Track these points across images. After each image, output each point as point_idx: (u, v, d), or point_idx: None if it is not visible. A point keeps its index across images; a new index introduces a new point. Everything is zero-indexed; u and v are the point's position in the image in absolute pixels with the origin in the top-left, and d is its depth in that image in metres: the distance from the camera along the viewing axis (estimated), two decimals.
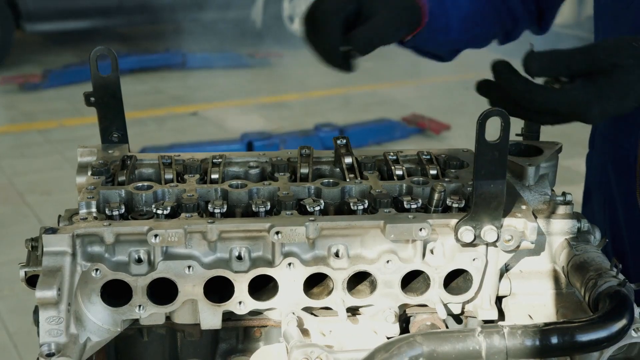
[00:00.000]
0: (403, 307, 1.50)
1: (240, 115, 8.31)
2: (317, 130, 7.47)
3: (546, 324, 1.30)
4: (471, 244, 1.43)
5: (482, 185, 1.38)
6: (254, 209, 1.45)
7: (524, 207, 1.46)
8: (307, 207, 1.46)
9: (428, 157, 1.67)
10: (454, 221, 1.42)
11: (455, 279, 1.50)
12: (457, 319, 1.55)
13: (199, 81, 9.55)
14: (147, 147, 6.70)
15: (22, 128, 8.02)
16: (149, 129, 7.98)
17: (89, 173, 1.58)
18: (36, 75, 9.31)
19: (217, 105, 8.66)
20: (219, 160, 1.63)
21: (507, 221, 1.42)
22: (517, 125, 1.76)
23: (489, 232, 1.40)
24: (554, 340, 1.27)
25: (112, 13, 10.36)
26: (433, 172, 1.62)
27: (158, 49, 10.58)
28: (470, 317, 1.54)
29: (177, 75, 9.87)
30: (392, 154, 1.67)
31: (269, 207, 1.46)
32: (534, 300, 1.52)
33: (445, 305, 1.48)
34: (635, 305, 1.38)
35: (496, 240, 1.41)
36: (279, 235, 1.39)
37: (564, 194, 1.57)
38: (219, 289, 1.43)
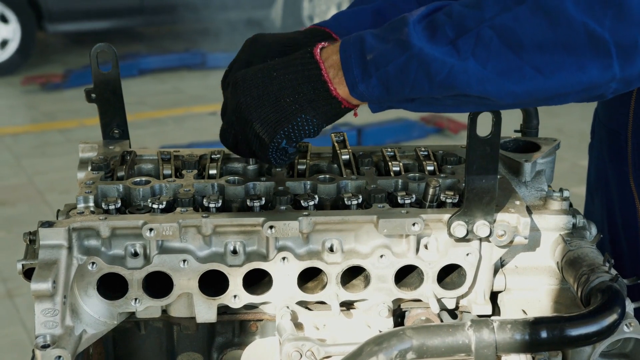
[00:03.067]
0: (397, 301, 1.51)
1: None
2: (334, 130, 7.47)
3: (536, 319, 1.30)
4: (464, 239, 1.43)
5: (474, 180, 1.38)
6: (248, 203, 1.47)
7: (517, 202, 1.46)
8: (302, 202, 1.47)
9: (425, 153, 1.68)
10: (447, 216, 1.43)
11: (450, 274, 1.50)
12: (452, 314, 1.56)
13: (219, 81, 9.51)
14: (165, 146, 6.74)
15: (43, 128, 8.08)
16: (168, 129, 8.01)
17: (89, 168, 1.60)
18: (57, 76, 9.38)
19: None
20: (217, 156, 1.65)
21: (500, 216, 1.42)
22: (516, 121, 1.77)
23: (481, 227, 1.41)
24: (544, 334, 1.28)
25: (133, 13, 10.43)
26: (430, 168, 1.63)
27: (178, 48, 10.63)
28: (465, 312, 1.54)
29: (197, 75, 9.90)
30: (389, 150, 1.68)
31: (263, 202, 1.47)
32: (528, 296, 1.52)
33: (439, 300, 1.49)
34: (628, 300, 1.38)
35: (489, 235, 1.42)
36: (273, 229, 1.40)
37: (561, 189, 1.57)
38: (214, 283, 1.44)
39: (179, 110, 8.58)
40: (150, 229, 1.38)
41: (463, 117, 7.83)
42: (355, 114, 1.50)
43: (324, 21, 1.73)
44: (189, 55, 10.23)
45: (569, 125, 7.29)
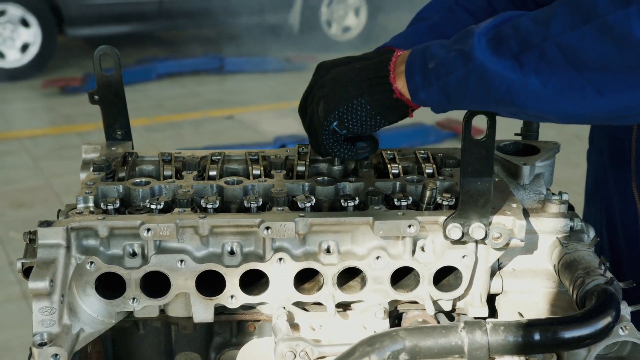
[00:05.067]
0: (394, 303, 1.51)
1: (275, 119, 8.35)
2: None
3: (529, 321, 1.30)
4: (460, 241, 1.43)
5: (469, 182, 1.39)
6: (245, 204, 1.48)
7: (514, 205, 1.46)
8: (299, 203, 1.48)
9: (425, 155, 1.68)
10: (443, 218, 1.43)
11: (447, 277, 1.51)
12: (450, 316, 1.56)
13: (236, 85, 9.61)
14: (180, 149, 6.77)
15: (62, 130, 8.14)
16: (185, 132, 8.05)
17: (91, 169, 1.62)
18: (77, 79, 9.44)
19: (252, 108, 8.69)
20: (218, 157, 1.66)
21: (496, 219, 1.42)
22: (517, 125, 1.77)
23: (476, 229, 1.41)
24: (537, 336, 1.28)
25: (151, 18, 10.49)
26: (429, 170, 1.63)
27: (196, 53, 10.69)
28: (461, 314, 1.54)
29: (215, 79, 9.94)
30: (389, 152, 1.69)
31: (260, 203, 1.48)
32: (525, 299, 1.52)
33: (435, 302, 1.49)
34: (625, 303, 1.38)
35: (484, 238, 1.42)
36: (269, 230, 1.41)
37: (560, 193, 1.57)
38: (211, 283, 1.45)
39: (196, 114, 8.61)
40: (148, 229, 1.40)
41: (479, 123, 7.79)
42: (411, 115, 1.51)
43: (388, 42, 1.74)
44: (207, 59, 10.27)
45: (587, 132, 7.25)
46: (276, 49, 10.43)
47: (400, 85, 1.45)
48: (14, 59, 9.76)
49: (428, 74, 1.39)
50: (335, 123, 1.51)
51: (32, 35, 9.79)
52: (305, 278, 1.48)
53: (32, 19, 9.75)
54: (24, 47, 9.79)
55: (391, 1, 10.79)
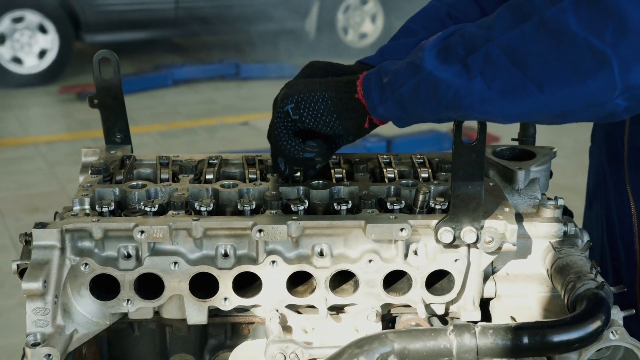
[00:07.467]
0: (387, 306, 1.52)
1: None
2: (364, 141, 7.46)
3: (518, 324, 1.30)
4: (452, 245, 1.44)
5: (460, 186, 1.39)
6: (239, 207, 1.49)
7: (507, 209, 1.46)
8: (292, 206, 1.49)
9: (421, 160, 1.69)
10: (435, 222, 1.43)
11: (440, 280, 1.51)
12: (443, 320, 1.56)
13: (252, 91, 9.64)
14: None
15: (78, 136, 8.19)
16: (200, 138, 8.08)
17: (89, 172, 1.63)
18: (93, 85, 9.51)
19: (268, 115, 8.69)
20: (215, 161, 1.68)
21: (488, 223, 1.43)
22: (514, 129, 1.78)
23: (468, 233, 1.41)
24: (525, 340, 1.28)
25: (168, 25, 10.56)
26: (424, 175, 1.64)
27: (212, 59, 10.73)
28: (454, 318, 1.54)
29: (231, 85, 9.98)
30: (385, 157, 1.70)
31: (254, 206, 1.49)
32: (518, 303, 1.53)
33: (428, 306, 1.50)
34: (617, 308, 1.37)
35: (476, 242, 1.42)
36: (261, 233, 1.42)
37: (555, 198, 1.57)
38: (205, 286, 1.46)
39: (212, 120, 8.65)
40: (141, 231, 1.41)
41: (493, 129, 7.77)
42: (366, 124, 1.53)
43: (370, 57, 1.78)
44: (223, 65, 10.31)
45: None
46: (292, 56, 10.45)
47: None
48: (32, 64, 9.85)
49: (384, 88, 1.43)
50: (291, 106, 1.52)
51: (50, 41, 9.88)
52: (299, 281, 1.49)
53: (49, 26, 9.84)
54: (42, 53, 9.88)
55: (408, 8, 10.78)
